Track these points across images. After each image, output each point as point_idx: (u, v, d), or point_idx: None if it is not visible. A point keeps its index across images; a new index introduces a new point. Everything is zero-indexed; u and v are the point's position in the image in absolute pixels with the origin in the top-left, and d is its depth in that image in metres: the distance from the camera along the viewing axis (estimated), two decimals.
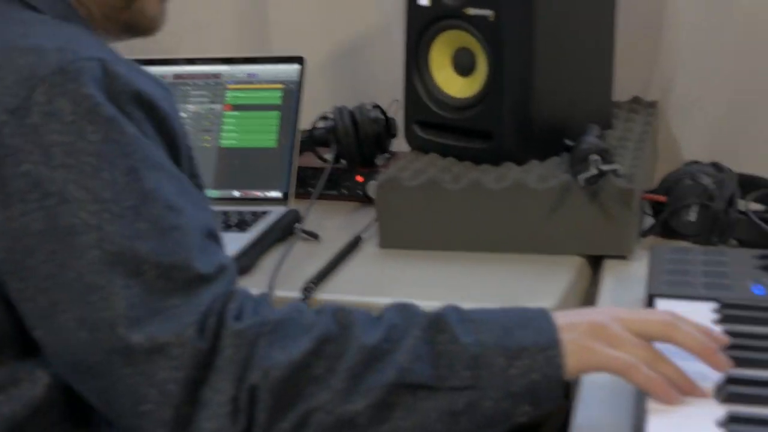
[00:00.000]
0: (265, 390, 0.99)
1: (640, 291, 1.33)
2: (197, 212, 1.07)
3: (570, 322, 1.06)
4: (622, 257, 1.61)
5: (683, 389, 1.04)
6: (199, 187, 1.15)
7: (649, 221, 1.67)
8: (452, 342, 1.02)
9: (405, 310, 1.07)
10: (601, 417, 1.15)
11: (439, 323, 1.04)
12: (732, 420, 1.00)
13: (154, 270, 1.01)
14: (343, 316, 1.05)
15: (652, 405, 1.04)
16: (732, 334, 1.17)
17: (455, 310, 1.07)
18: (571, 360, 1.03)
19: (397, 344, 1.02)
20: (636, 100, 2.01)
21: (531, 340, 1.03)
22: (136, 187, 1.03)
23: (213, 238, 1.09)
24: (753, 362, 1.11)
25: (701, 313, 1.24)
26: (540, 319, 1.06)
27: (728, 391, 1.05)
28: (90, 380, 1.03)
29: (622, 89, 1.99)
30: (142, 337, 0.99)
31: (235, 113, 1.90)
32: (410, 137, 1.80)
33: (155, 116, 1.08)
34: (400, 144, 1.88)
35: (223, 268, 1.06)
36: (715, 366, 1.06)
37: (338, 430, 1.01)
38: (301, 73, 1.90)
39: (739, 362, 1.11)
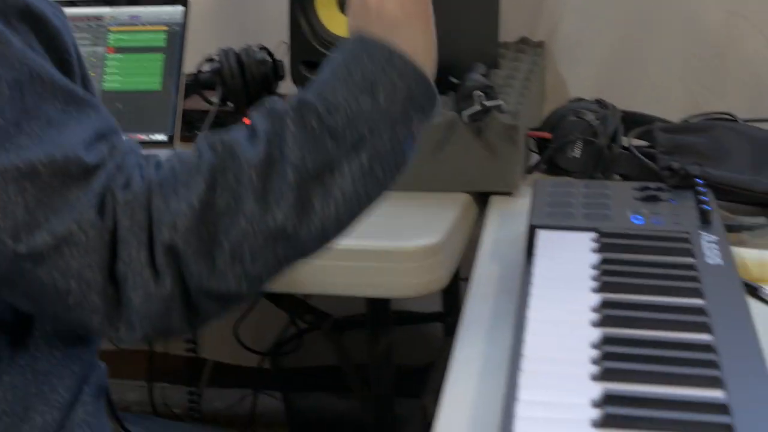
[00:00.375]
0: (181, 242, 0.99)
1: (524, 226, 1.34)
2: (85, 120, 1.05)
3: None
4: (508, 194, 1.62)
5: None
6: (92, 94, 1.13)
7: (536, 159, 1.69)
8: (320, 118, 1.04)
9: (270, 111, 1.07)
10: (481, 346, 1.17)
11: (302, 108, 1.05)
12: (606, 341, 1.01)
13: (47, 169, 0.99)
14: (220, 145, 1.04)
15: (530, 326, 1.06)
16: (610, 261, 1.19)
17: (304, 90, 1.08)
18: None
19: (280, 146, 1.03)
20: (523, 41, 2.03)
21: (372, 64, 1.07)
22: (20, 101, 1.01)
23: (104, 138, 1.06)
24: (628, 287, 1.13)
25: (581, 242, 1.26)
26: (361, 45, 1.10)
27: (603, 314, 1.07)
28: (12, 290, 1.03)
29: (510, 30, 2.00)
30: (45, 235, 0.98)
31: (118, 56, 1.87)
32: (296, 77, 1.79)
33: (45, 31, 1.06)
34: (289, 87, 1.87)
35: (113, 147, 1.05)
36: None
37: (273, 244, 1.02)
38: (185, 14, 1.87)
39: (615, 288, 1.14)
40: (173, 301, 1.01)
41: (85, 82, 1.13)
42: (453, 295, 2.11)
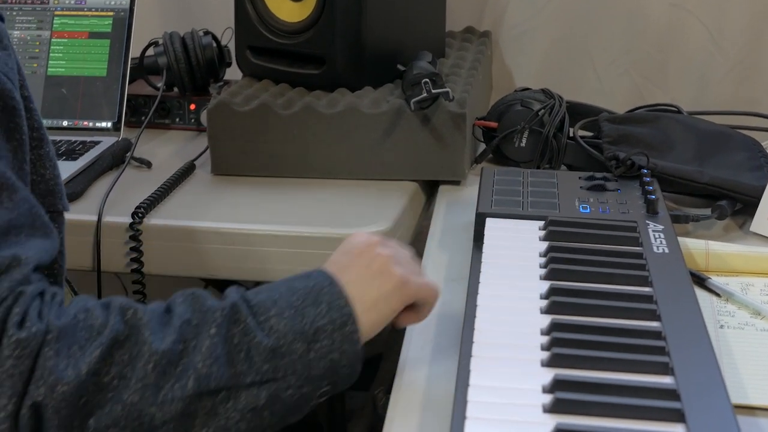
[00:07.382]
0: (51, 407, 0.90)
1: (472, 215, 1.34)
2: None
3: (352, 275, 1.04)
4: (456, 182, 1.62)
5: None
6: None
7: (483, 148, 1.69)
8: (247, 334, 0.96)
9: (196, 302, 0.98)
10: (431, 335, 1.17)
11: (232, 316, 0.97)
12: (555, 328, 1.02)
13: None
14: (131, 315, 0.95)
15: (480, 314, 1.06)
16: (558, 249, 1.20)
17: (243, 298, 0.99)
18: (365, 326, 1.02)
19: (191, 346, 0.94)
20: (469, 30, 2.03)
21: (326, 318, 0.99)
22: None
23: (14, 234, 0.97)
24: (576, 275, 1.14)
25: (529, 231, 1.27)
26: (329, 291, 1.01)
27: (552, 301, 1.08)
28: None
29: (456, 19, 2.01)
30: None
31: (64, 41, 1.85)
32: (242, 63, 1.78)
33: None
34: (236, 74, 1.85)
35: (16, 260, 0.95)
36: None
37: None
38: (132, 1, 1.85)
39: (564, 275, 1.14)
40: None
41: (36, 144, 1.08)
42: None
